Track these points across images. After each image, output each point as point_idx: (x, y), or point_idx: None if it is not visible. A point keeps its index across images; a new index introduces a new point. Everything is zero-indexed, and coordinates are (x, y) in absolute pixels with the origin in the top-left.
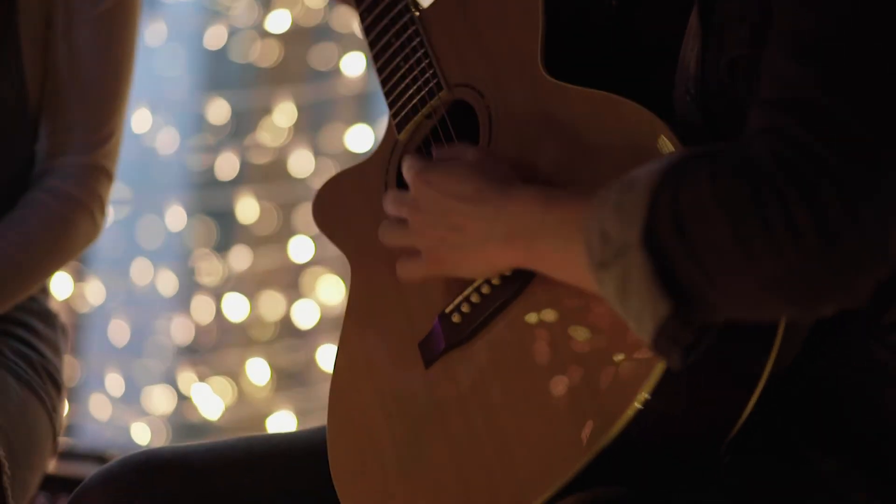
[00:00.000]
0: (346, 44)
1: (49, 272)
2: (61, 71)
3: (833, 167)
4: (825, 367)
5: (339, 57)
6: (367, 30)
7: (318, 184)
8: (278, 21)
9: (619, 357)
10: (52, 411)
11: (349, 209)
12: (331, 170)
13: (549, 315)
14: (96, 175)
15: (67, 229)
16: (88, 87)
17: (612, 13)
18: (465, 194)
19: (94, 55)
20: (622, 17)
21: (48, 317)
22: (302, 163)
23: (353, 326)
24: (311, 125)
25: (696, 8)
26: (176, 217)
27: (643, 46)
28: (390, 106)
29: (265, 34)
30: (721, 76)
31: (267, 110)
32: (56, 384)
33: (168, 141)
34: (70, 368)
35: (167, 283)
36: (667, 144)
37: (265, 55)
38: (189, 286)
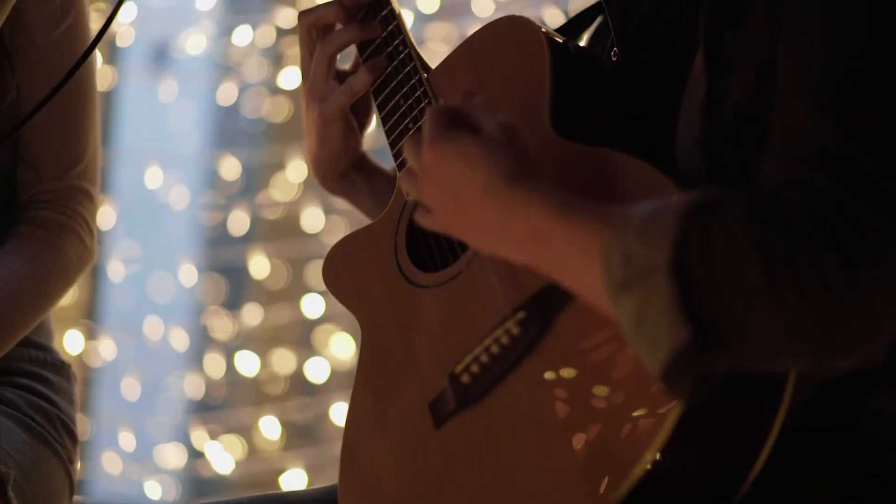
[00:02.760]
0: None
1: (47, 303)
2: (23, 96)
3: (861, 220)
4: (836, 417)
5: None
6: (375, 91)
7: (329, 240)
8: (290, 77)
9: (631, 414)
10: (69, 463)
11: (359, 271)
12: (341, 227)
13: (560, 373)
14: (75, 196)
15: (57, 255)
16: (52, 111)
17: (614, 67)
18: (476, 182)
19: (54, 78)
20: (624, 69)
21: (62, 368)
22: (313, 219)
23: (363, 386)
24: None
25: (702, 53)
26: (187, 273)
27: (646, 97)
28: (399, 167)
29: (276, 90)
30: (726, 121)
31: (278, 166)
32: (72, 435)
33: (179, 197)
34: (81, 425)
35: (179, 339)
36: None
37: (276, 111)
38: (201, 342)
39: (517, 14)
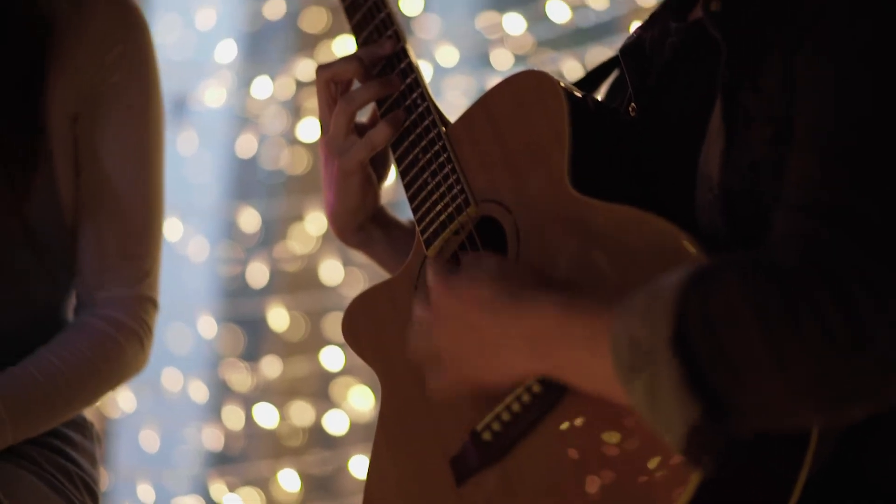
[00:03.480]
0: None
1: (97, 395)
2: (92, 191)
3: (863, 269)
4: (863, 463)
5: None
6: (393, 146)
7: (347, 293)
8: (309, 129)
9: (654, 473)
10: None
11: (379, 326)
12: (360, 279)
13: (581, 432)
14: (143, 305)
15: (119, 353)
16: (124, 216)
17: (632, 121)
18: (483, 299)
19: (125, 176)
20: (642, 124)
21: (84, 427)
22: (332, 272)
23: (384, 442)
24: None
25: (720, 108)
26: (206, 325)
27: (665, 151)
28: (418, 222)
29: (295, 142)
30: (744, 177)
31: (297, 218)
32: (93, 494)
33: (198, 249)
34: (100, 477)
35: (197, 391)
36: (693, 258)
37: (295, 163)
38: (219, 394)
39: (536, 68)
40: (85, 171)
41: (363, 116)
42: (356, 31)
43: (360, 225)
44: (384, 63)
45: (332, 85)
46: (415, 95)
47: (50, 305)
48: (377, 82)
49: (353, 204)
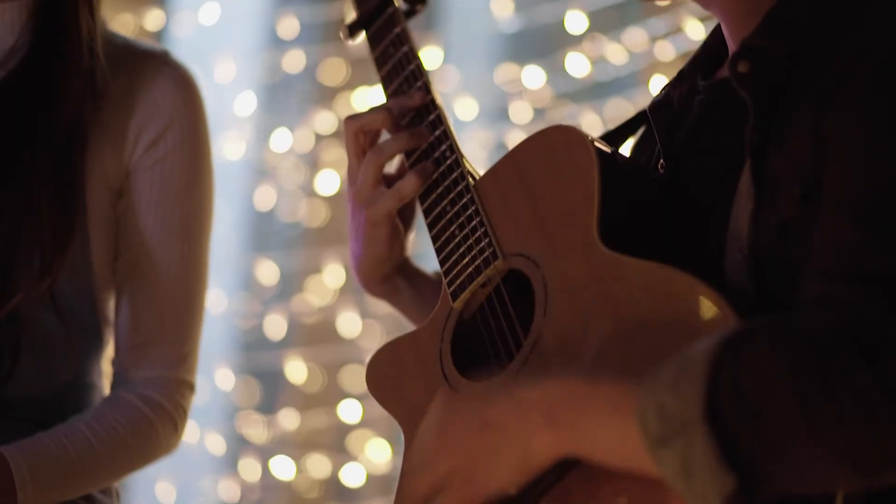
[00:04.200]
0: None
1: (124, 472)
2: (133, 267)
3: (894, 332)
4: None
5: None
6: (421, 197)
7: (365, 345)
8: (327, 182)
9: None
10: None
11: (403, 377)
12: (378, 332)
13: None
14: (181, 389)
15: (152, 434)
16: (164, 298)
17: (661, 178)
18: (496, 388)
19: (168, 255)
20: (671, 181)
21: (107, 487)
22: (349, 324)
23: None
24: (359, 287)
25: (749, 168)
26: (223, 377)
27: (694, 210)
28: (445, 274)
29: (313, 194)
30: (772, 237)
31: (315, 271)
32: None
33: (216, 301)
34: None
35: (214, 443)
36: (721, 317)
37: (313, 215)
38: (236, 447)
39: (562, 123)
40: (126, 247)
41: (391, 167)
42: (385, 81)
43: (385, 276)
44: (413, 114)
45: (362, 135)
46: (443, 147)
47: (75, 371)
48: (406, 134)
49: (380, 254)
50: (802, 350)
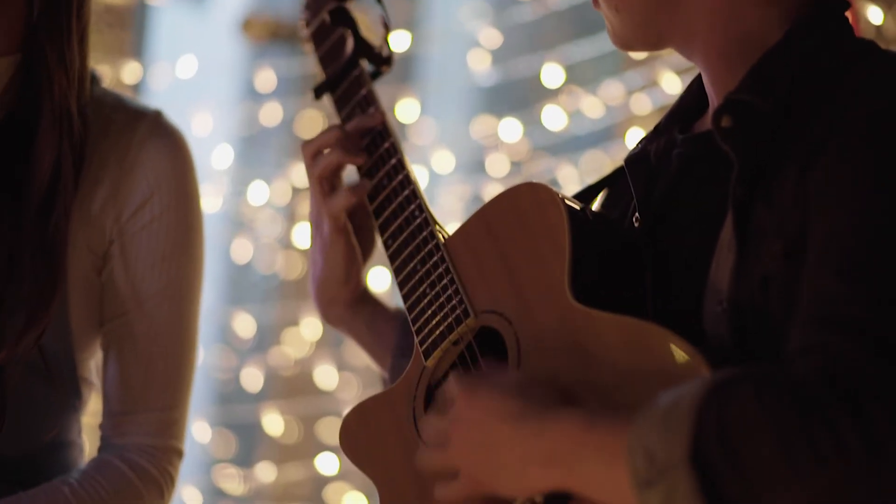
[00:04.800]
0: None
1: None
2: (121, 331)
3: (879, 384)
4: None
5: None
6: (392, 256)
7: (342, 397)
8: (304, 235)
9: None
10: None
11: (378, 436)
12: (354, 384)
13: None
14: (168, 455)
15: (136, 499)
16: (153, 364)
17: (636, 232)
18: (508, 414)
19: (156, 320)
20: (647, 235)
21: None
22: (326, 377)
23: None
24: (335, 339)
25: (732, 222)
26: (200, 430)
27: (670, 262)
28: (416, 333)
29: (290, 247)
30: (754, 290)
31: (292, 323)
32: None
33: None
34: None
35: (191, 496)
36: (693, 368)
37: (290, 268)
38: (213, 500)
39: (534, 179)
40: (114, 313)
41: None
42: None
43: (344, 302)
44: (381, 176)
45: (320, 156)
46: (412, 208)
47: (58, 429)
48: (342, 149)
49: (338, 274)
50: (786, 397)
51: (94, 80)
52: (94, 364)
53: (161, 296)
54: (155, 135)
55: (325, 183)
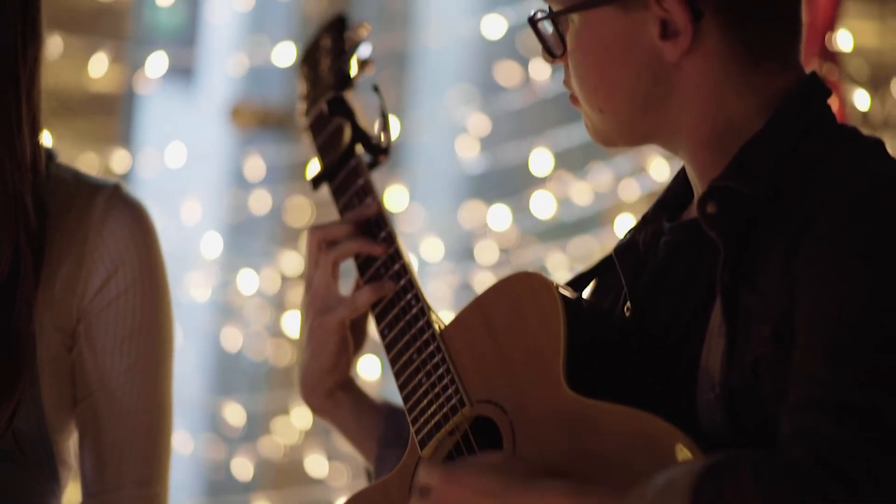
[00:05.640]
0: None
1: None
2: (93, 411)
3: (870, 462)
4: None
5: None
6: (388, 346)
7: (334, 485)
8: (294, 322)
9: None
10: None
11: None
12: (344, 473)
13: None
14: None
15: None
16: (128, 441)
17: (627, 321)
18: (492, 490)
19: (128, 397)
20: (638, 323)
21: None
22: (317, 466)
23: None
24: (326, 428)
25: (720, 308)
26: None
27: (661, 350)
28: (412, 422)
29: (279, 335)
30: (746, 375)
31: (282, 412)
32: None
33: (182, 443)
34: None
35: None
36: (686, 453)
37: (279, 356)
38: None
39: (523, 266)
40: (85, 392)
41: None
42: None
43: (329, 390)
44: (379, 265)
45: (323, 244)
46: (409, 297)
47: None
48: (362, 238)
49: (327, 366)
50: (782, 478)
51: (51, 157)
52: (72, 445)
53: (131, 371)
54: (114, 209)
55: (337, 270)
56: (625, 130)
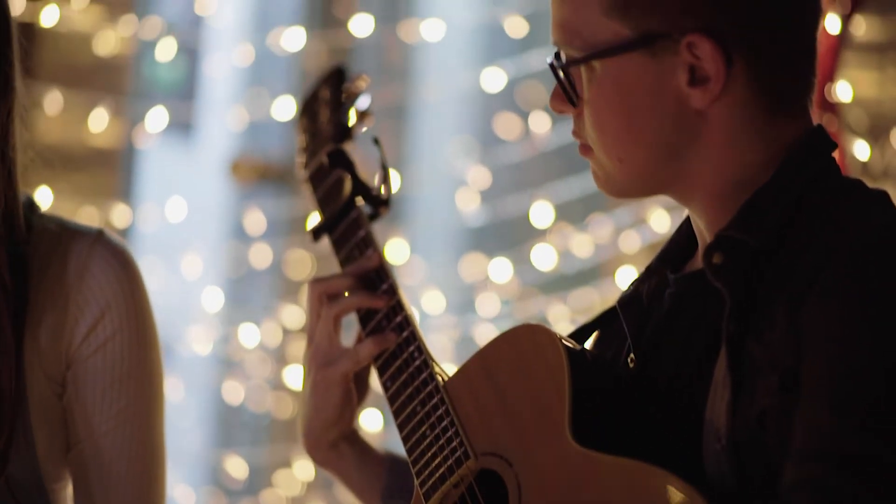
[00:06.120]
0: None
1: None
2: (85, 461)
3: None
4: None
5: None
6: (391, 398)
7: None
8: (295, 376)
9: None
10: None
11: None
12: None
13: None
14: None
15: None
16: (120, 491)
17: (631, 373)
18: None
19: (118, 446)
20: (642, 375)
21: None
22: None
23: None
24: (328, 480)
25: (725, 359)
26: None
27: (666, 402)
28: (417, 475)
29: (280, 388)
30: (752, 427)
31: (284, 464)
32: None
33: (183, 496)
34: None
35: None
36: None
37: (281, 408)
38: None
39: (524, 319)
40: (76, 438)
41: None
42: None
43: (332, 442)
44: (381, 317)
45: (325, 297)
46: (411, 349)
47: None
48: (364, 292)
49: (331, 418)
50: None
51: (32, 207)
52: (68, 494)
53: (122, 416)
54: (99, 255)
55: (339, 324)
56: (641, 181)
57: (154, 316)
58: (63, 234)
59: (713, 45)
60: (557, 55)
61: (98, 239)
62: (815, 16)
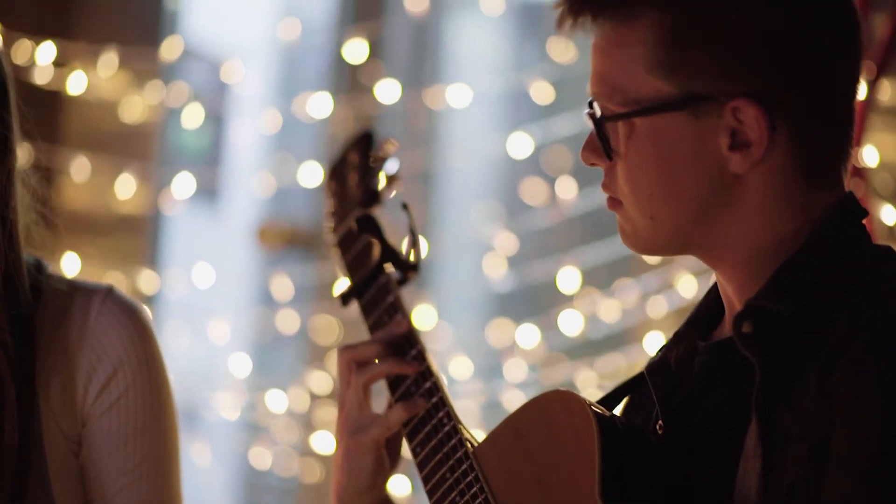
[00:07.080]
0: None
1: None
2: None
3: None
4: None
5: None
6: (420, 464)
7: None
8: (322, 441)
9: None
10: None
11: None
12: None
13: None
14: None
15: None
16: None
17: (660, 440)
18: None
19: (138, 502)
20: (671, 443)
21: None
22: None
23: None
24: None
25: (756, 429)
26: None
27: (696, 471)
28: None
29: (308, 453)
30: (782, 498)
31: None
32: None
33: None
34: None
35: None
36: None
37: (308, 474)
38: None
39: (552, 385)
40: (93, 496)
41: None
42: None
43: None
44: (410, 383)
45: (353, 365)
46: (441, 415)
47: None
48: (393, 359)
49: (364, 485)
50: None
51: (41, 268)
52: None
53: (137, 472)
54: (109, 311)
55: (369, 391)
56: (670, 240)
57: (167, 370)
58: (72, 292)
59: (758, 111)
60: (590, 104)
61: (108, 295)
62: (856, 84)
